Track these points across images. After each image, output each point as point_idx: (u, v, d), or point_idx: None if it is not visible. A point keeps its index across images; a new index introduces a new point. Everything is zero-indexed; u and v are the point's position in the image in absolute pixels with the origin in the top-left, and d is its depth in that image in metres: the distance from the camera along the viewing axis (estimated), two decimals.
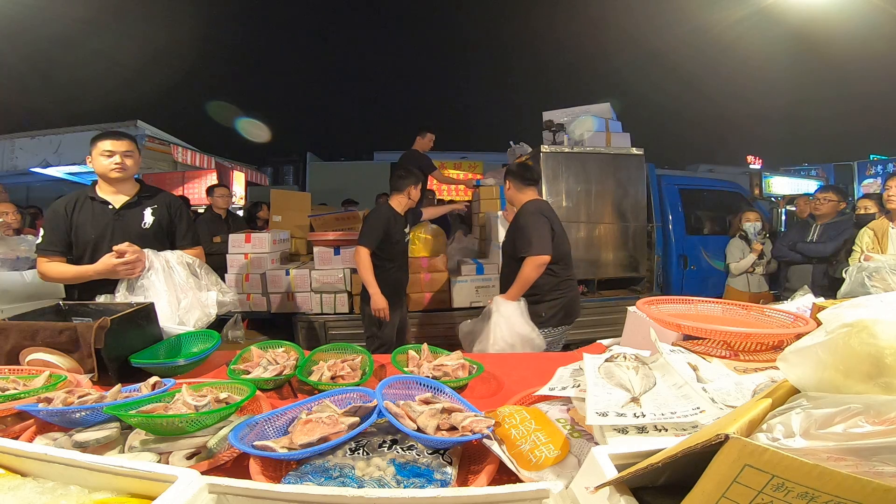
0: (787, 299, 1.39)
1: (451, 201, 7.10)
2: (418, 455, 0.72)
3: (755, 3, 8.55)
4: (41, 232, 1.80)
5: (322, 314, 3.58)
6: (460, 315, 3.40)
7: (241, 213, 6.00)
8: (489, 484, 0.66)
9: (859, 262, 2.51)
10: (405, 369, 1.19)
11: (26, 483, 0.60)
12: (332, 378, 1.13)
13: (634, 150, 4.07)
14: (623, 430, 0.68)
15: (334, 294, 3.55)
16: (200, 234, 2.11)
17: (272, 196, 4.72)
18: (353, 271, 3.48)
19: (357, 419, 0.76)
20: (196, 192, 5.84)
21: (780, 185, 7.01)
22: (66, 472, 0.60)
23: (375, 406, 0.79)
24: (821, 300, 1.22)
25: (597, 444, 0.70)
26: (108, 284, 1.69)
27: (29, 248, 2.72)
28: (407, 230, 2.86)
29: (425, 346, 1.31)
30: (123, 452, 0.78)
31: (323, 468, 0.68)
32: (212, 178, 5.88)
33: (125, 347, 1.23)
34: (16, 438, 0.80)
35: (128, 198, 1.85)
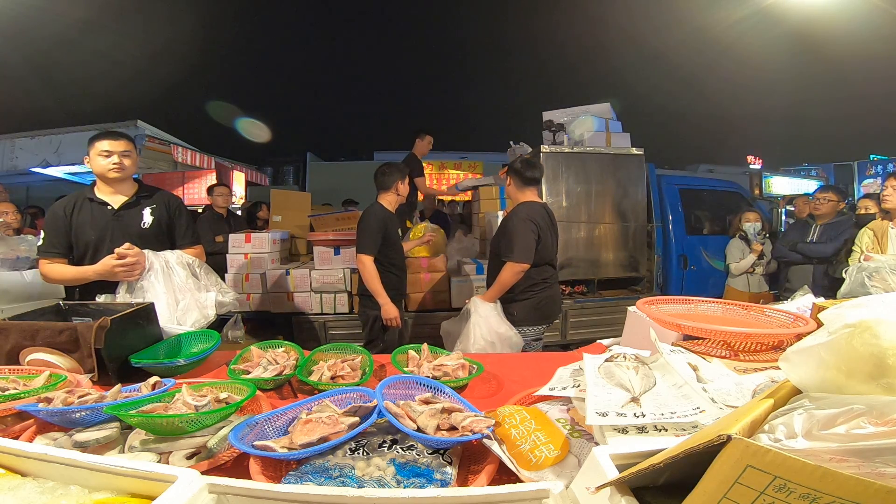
0: (787, 299, 1.39)
1: (451, 201, 7.10)
2: (418, 455, 0.72)
3: (755, 3, 8.55)
4: (42, 234, 1.80)
5: (322, 314, 3.58)
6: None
7: (239, 212, 6.00)
8: (489, 484, 0.66)
9: (859, 262, 2.51)
10: (405, 369, 1.19)
11: (26, 483, 0.60)
12: (332, 378, 1.13)
13: (634, 150, 4.07)
14: (623, 430, 0.68)
15: (334, 294, 3.55)
16: (202, 233, 2.10)
17: (272, 196, 4.72)
18: (353, 271, 3.48)
19: (357, 419, 0.76)
20: (196, 191, 5.84)
21: (780, 185, 7.02)
22: (66, 472, 0.60)
23: (375, 406, 0.79)
24: (821, 300, 1.22)
25: (597, 444, 0.70)
26: (109, 285, 1.69)
27: (29, 248, 2.72)
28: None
29: (425, 346, 1.31)
30: (123, 452, 0.78)
31: (323, 468, 0.68)
32: (212, 178, 5.88)
33: (125, 347, 1.23)
34: (16, 438, 0.80)
35: (126, 198, 1.85)
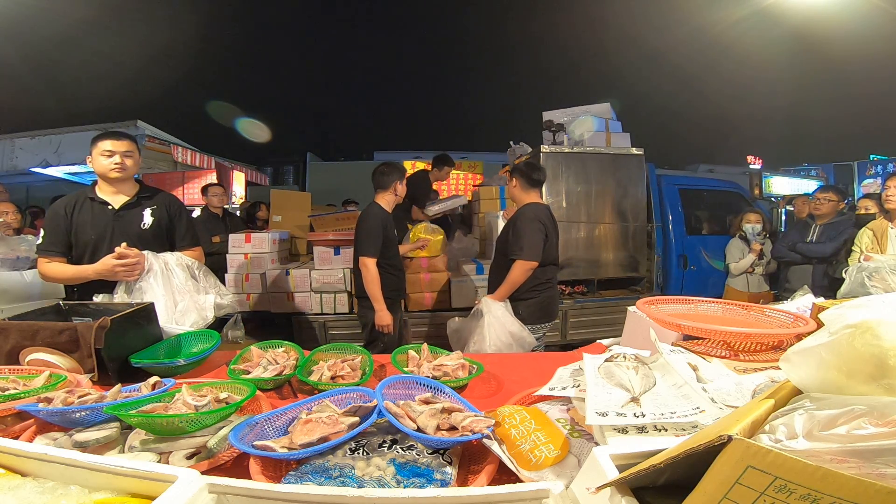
0: (787, 299, 1.39)
1: (454, 196, 7.08)
2: (418, 455, 0.72)
3: (755, 4, 8.55)
4: (41, 232, 1.80)
5: (322, 314, 3.58)
6: (460, 315, 3.40)
7: (238, 213, 5.99)
8: (489, 484, 0.65)
9: (859, 262, 2.51)
10: (405, 369, 1.19)
11: (26, 483, 0.60)
12: (332, 378, 1.13)
13: (634, 150, 4.07)
14: (623, 430, 0.68)
15: (334, 294, 3.55)
16: (199, 234, 2.10)
17: (272, 196, 4.73)
18: (352, 271, 3.48)
19: (357, 419, 0.76)
20: (196, 192, 5.84)
21: (780, 185, 7.01)
22: (66, 472, 0.60)
23: (375, 406, 0.79)
24: (821, 300, 1.22)
25: (597, 444, 0.70)
26: (107, 284, 1.69)
27: (29, 248, 2.72)
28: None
29: (425, 346, 1.31)
30: (123, 452, 0.78)
31: (323, 468, 0.68)
32: (212, 178, 5.88)
33: (125, 347, 1.23)
34: (16, 438, 0.80)
35: (127, 198, 1.85)
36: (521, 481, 0.65)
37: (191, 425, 0.79)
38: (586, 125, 4.15)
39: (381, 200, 2.64)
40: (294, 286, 3.56)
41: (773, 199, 6.63)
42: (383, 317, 2.52)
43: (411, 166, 7.88)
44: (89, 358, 1.17)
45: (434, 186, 4.57)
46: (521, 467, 0.68)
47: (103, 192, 1.83)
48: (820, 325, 0.79)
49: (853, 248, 2.76)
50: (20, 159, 5.95)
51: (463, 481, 0.70)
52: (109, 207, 1.81)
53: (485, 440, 0.72)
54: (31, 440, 0.80)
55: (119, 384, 0.96)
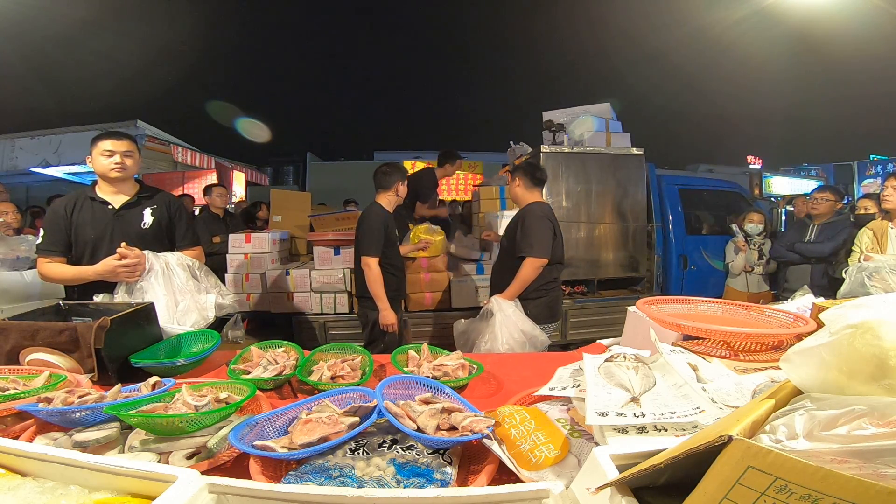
0: (786, 299, 1.39)
1: (452, 201, 7.10)
2: (418, 455, 0.71)
3: (755, 4, 8.55)
4: (41, 232, 1.80)
5: (322, 314, 3.58)
6: (461, 315, 3.40)
7: (230, 208, 5.97)
8: (489, 484, 0.65)
9: (859, 262, 2.51)
10: (405, 369, 1.19)
11: (26, 483, 0.60)
12: (332, 378, 1.13)
13: (634, 150, 4.07)
14: (623, 430, 0.68)
15: (334, 294, 3.55)
16: (199, 234, 2.10)
17: (272, 196, 4.72)
18: (353, 271, 3.48)
19: (357, 419, 0.76)
20: (196, 192, 5.84)
21: (780, 185, 7.02)
22: (66, 472, 0.60)
23: (375, 406, 0.79)
24: (821, 300, 1.22)
25: (597, 444, 0.70)
26: (107, 284, 1.69)
27: (29, 248, 2.72)
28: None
29: (425, 346, 1.31)
30: (123, 452, 0.78)
31: (323, 468, 0.68)
32: (211, 178, 5.88)
33: (125, 347, 1.23)
34: (16, 438, 0.80)
35: (127, 198, 1.85)
36: (521, 481, 0.65)
37: (191, 425, 0.79)
38: (586, 125, 4.15)
39: (382, 200, 2.63)
40: (294, 286, 3.56)
41: (773, 199, 6.63)
42: (387, 316, 2.51)
43: (411, 166, 7.89)
44: (89, 358, 1.17)
45: (442, 184, 4.52)
46: (521, 467, 0.68)
47: (103, 191, 1.83)
48: (820, 325, 0.79)
49: (853, 248, 2.76)
50: (20, 159, 5.95)
51: (463, 481, 0.70)
52: (109, 207, 1.81)
53: (485, 440, 0.72)
54: (31, 440, 0.80)
55: (119, 384, 0.96)
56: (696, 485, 0.42)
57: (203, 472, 0.57)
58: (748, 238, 3.78)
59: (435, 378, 1.05)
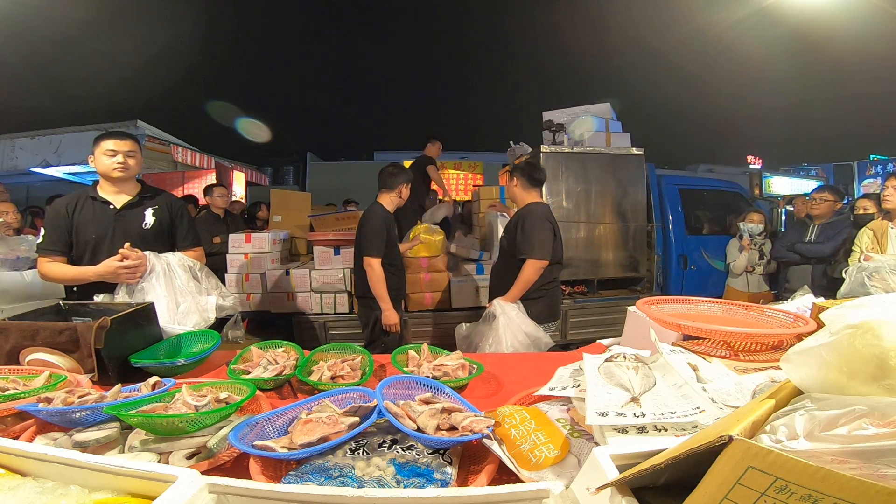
0: (787, 299, 1.39)
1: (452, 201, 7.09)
2: (418, 455, 0.71)
3: (755, 4, 8.55)
4: (42, 231, 1.80)
5: (322, 314, 3.58)
6: (460, 315, 3.41)
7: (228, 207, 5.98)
8: (489, 484, 0.65)
9: (859, 262, 2.51)
10: (405, 369, 1.19)
11: (26, 483, 0.59)
12: (332, 378, 1.13)
13: (634, 150, 4.08)
14: (623, 430, 0.68)
15: (334, 294, 3.55)
16: (199, 234, 2.10)
17: (272, 196, 4.73)
18: (353, 271, 3.48)
19: (357, 419, 0.76)
20: (196, 192, 5.84)
21: (780, 185, 7.01)
22: (66, 472, 0.60)
23: (375, 406, 0.79)
24: (821, 300, 1.22)
25: (597, 444, 0.70)
26: (108, 284, 1.69)
27: (29, 248, 2.72)
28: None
29: (425, 346, 1.31)
30: (123, 452, 0.78)
31: (323, 468, 0.68)
32: (212, 178, 5.88)
33: (125, 347, 1.23)
34: (16, 438, 0.80)
35: (129, 198, 1.85)
36: (521, 481, 0.65)
37: (191, 425, 0.79)
38: (586, 125, 4.15)
39: (384, 201, 2.62)
40: (294, 286, 3.56)
41: (773, 199, 6.63)
42: (390, 316, 2.51)
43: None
44: (89, 358, 1.17)
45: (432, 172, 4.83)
46: (521, 467, 0.68)
47: (105, 191, 1.83)
48: (820, 325, 0.79)
49: (853, 248, 2.76)
50: (20, 159, 5.96)
51: (463, 481, 0.70)
52: (111, 207, 1.81)
53: (485, 440, 0.72)
54: (31, 440, 0.80)
55: (119, 384, 0.96)
56: (696, 485, 0.42)
57: (203, 472, 0.57)
58: (751, 238, 3.78)
59: (435, 378, 1.05)
